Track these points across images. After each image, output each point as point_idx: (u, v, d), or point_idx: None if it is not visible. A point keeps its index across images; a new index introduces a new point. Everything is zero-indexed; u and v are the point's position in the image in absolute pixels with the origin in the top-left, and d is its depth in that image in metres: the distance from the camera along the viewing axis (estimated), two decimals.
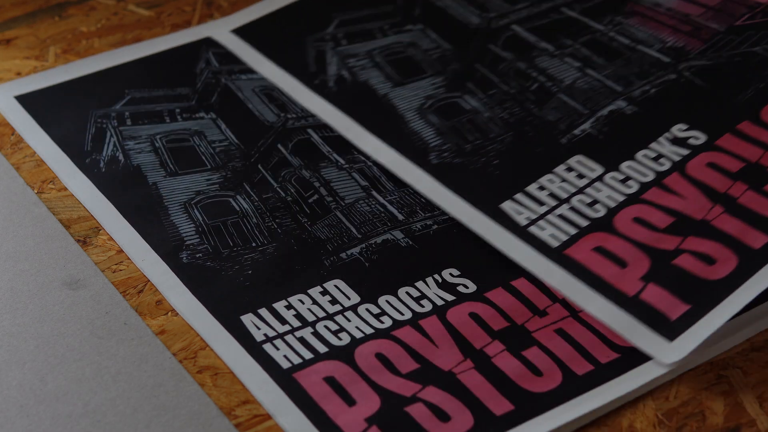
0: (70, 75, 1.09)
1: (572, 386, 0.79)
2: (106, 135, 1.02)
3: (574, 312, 0.85)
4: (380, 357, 0.81)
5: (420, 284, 0.87)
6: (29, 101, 1.05)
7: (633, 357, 0.81)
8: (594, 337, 0.83)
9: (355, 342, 0.82)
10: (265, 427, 0.77)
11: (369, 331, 0.83)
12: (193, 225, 0.92)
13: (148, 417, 0.77)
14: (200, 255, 0.89)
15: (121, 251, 0.90)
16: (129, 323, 0.83)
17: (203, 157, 1.00)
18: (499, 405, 0.78)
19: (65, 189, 0.95)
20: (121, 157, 0.99)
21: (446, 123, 0.97)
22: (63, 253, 0.89)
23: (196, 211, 0.94)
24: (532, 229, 0.87)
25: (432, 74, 1.04)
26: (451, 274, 0.88)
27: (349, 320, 0.84)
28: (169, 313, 0.85)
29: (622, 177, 0.90)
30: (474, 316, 0.84)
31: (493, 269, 0.88)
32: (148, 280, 0.87)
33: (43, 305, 0.84)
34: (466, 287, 0.87)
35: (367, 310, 0.85)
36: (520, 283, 0.87)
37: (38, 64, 1.10)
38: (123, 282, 0.87)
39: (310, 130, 1.03)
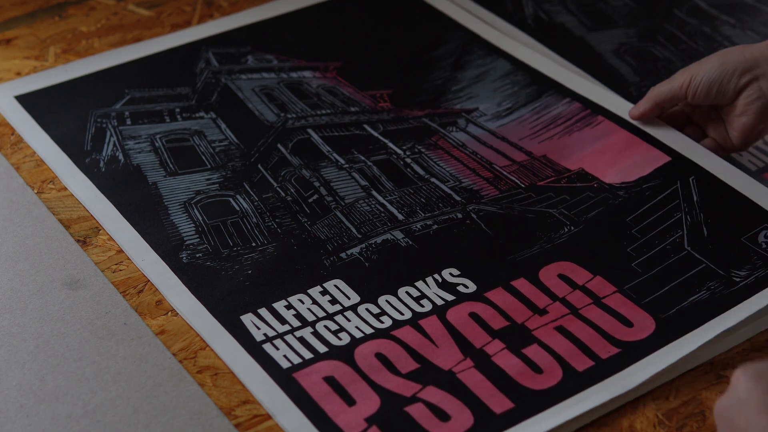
0: (70, 75, 1.08)
1: (572, 382, 0.79)
2: (106, 135, 1.02)
3: (574, 309, 0.85)
4: (380, 357, 0.81)
5: (420, 284, 0.87)
6: (29, 101, 1.05)
7: (634, 352, 0.81)
8: (594, 333, 0.83)
9: (355, 342, 0.82)
10: (265, 427, 0.77)
11: (369, 330, 0.83)
12: (192, 225, 0.92)
13: (148, 417, 0.77)
14: (200, 255, 0.89)
15: (121, 251, 0.90)
16: (129, 323, 0.83)
17: (203, 157, 1.00)
18: (499, 403, 0.78)
19: (65, 189, 0.95)
20: (120, 156, 0.99)
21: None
22: (63, 253, 0.89)
23: (195, 210, 0.94)
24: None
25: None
26: (451, 274, 0.88)
27: (349, 320, 0.84)
28: (169, 313, 0.85)
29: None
30: (474, 316, 0.84)
31: (493, 269, 0.88)
32: (148, 280, 0.87)
33: (43, 305, 0.84)
34: (466, 287, 0.87)
35: (367, 309, 0.85)
36: (520, 283, 0.87)
37: (38, 64, 1.10)
38: (123, 282, 0.87)
39: (310, 130, 1.03)
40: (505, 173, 0.98)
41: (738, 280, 0.86)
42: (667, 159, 0.97)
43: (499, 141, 1.02)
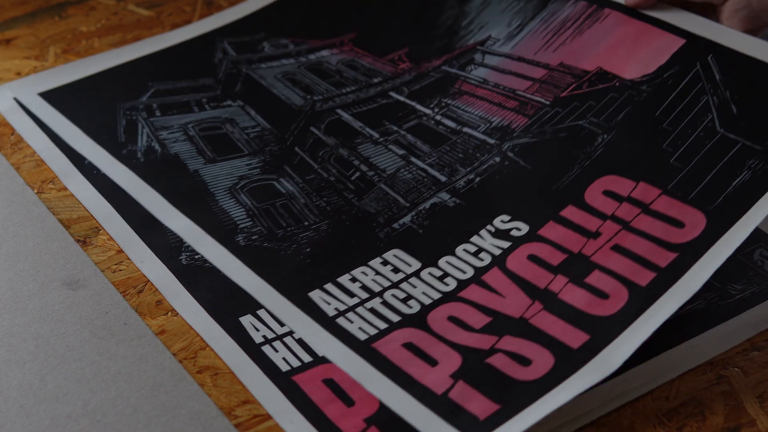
0: (70, 75, 1.08)
1: (640, 299, 0.79)
2: (138, 126, 1.02)
3: (625, 223, 0.84)
4: (453, 319, 0.81)
5: (475, 238, 0.87)
6: (29, 101, 1.05)
7: (692, 252, 0.80)
8: (650, 243, 0.82)
9: (425, 308, 0.82)
10: (265, 427, 0.77)
11: (436, 296, 0.83)
12: (243, 209, 0.92)
13: (148, 417, 0.77)
14: (256, 237, 0.89)
15: (120, 251, 0.90)
16: (129, 323, 0.83)
17: (239, 143, 1.00)
18: (575, 338, 0.78)
19: (65, 189, 0.95)
20: (157, 147, 0.99)
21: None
22: (63, 253, 0.89)
23: (243, 195, 0.94)
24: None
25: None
26: (502, 221, 0.88)
27: (414, 287, 0.84)
28: (169, 313, 0.85)
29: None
30: (533, 258, 0.84)
31: (540, 204, 0.88)
32: (148, 280, 0.87)
33: (43, 305, 0.84)
34: (519, 230, 0.87)
35: (430, 273, 0.85)
36: (568, 212, 0.87)
37: (38, 64, 1.10)
38: (123, 282, 0.87)
39: (339, 110, 1.03)
40: (528, 96, 0.98)
41: None
42: (681, 42, 0.95)
43: (516, 63, 1.01)
